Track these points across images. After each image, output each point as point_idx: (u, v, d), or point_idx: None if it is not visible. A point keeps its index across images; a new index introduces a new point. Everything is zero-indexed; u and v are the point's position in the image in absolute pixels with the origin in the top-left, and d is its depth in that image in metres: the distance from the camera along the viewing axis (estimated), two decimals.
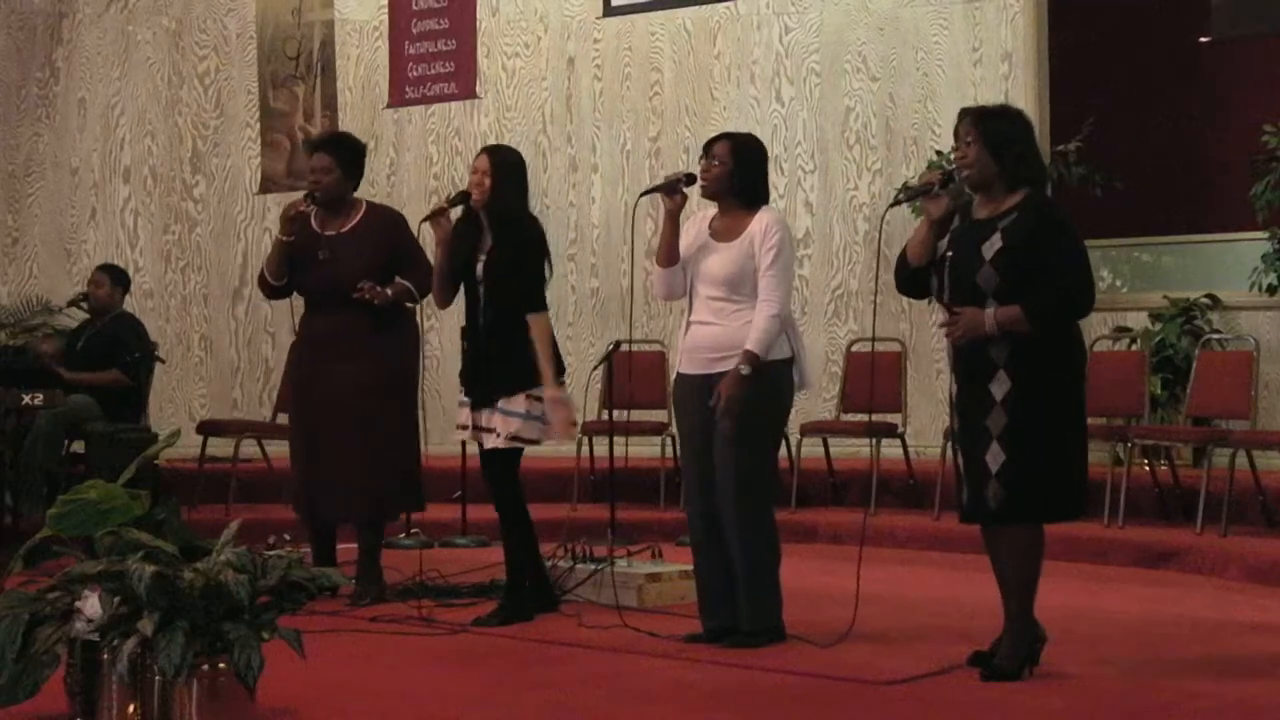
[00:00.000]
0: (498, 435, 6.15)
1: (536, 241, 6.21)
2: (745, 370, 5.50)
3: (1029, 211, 5.00)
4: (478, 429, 6.23)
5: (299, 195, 6.96)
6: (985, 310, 4.95)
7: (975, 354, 5.03)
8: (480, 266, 6.17)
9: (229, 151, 11.26)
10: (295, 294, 6.87)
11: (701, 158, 5.78)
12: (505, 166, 6.19)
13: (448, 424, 10.59)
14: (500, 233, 6.16)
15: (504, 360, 6.13)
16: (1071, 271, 4.98)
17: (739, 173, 5.68)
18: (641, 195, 6.08)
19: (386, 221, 6.74)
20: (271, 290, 6.82)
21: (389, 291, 6.52)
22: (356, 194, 6.79)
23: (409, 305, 6.68)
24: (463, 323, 6.43)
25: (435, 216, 6.28)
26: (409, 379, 6.72)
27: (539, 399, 6.12)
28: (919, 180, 5.35)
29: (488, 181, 6.13)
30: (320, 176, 6.64)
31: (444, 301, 6.39)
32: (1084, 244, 5.09)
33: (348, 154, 6.75)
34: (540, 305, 6.19)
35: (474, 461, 8.61)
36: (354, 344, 6.56)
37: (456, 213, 6.30)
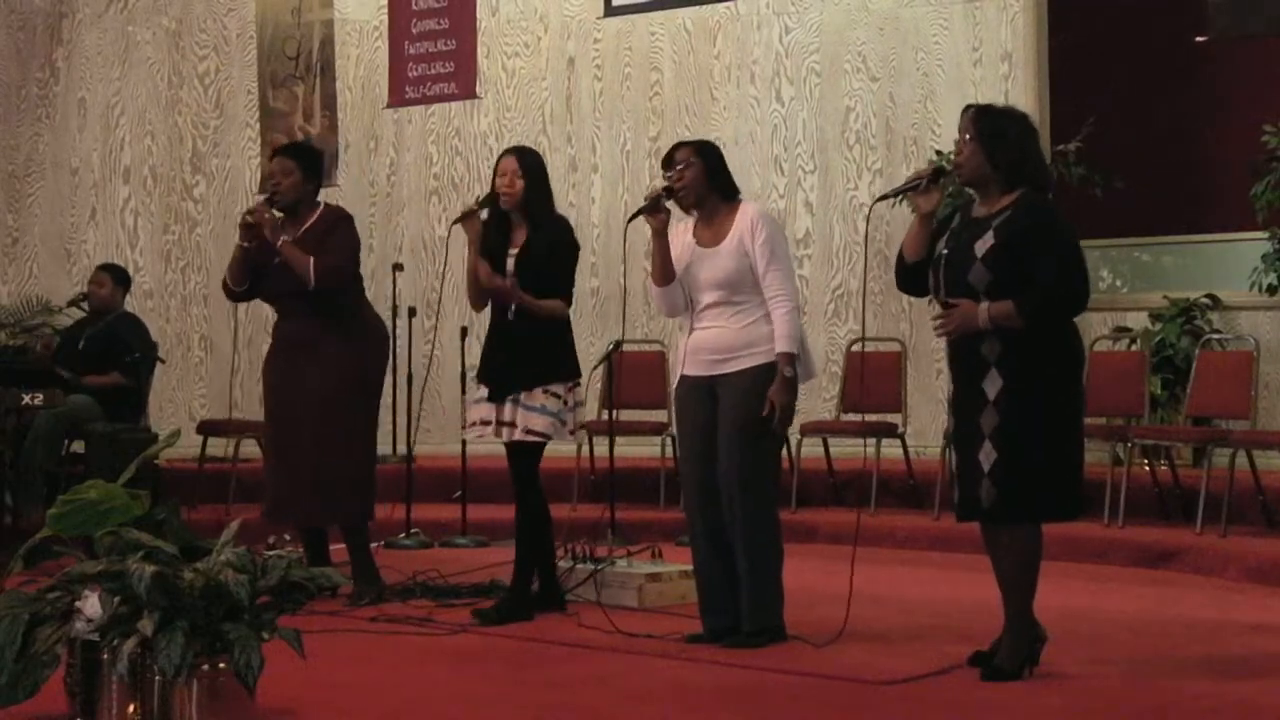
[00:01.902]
0: (515, 428, 6.17)
1: (569, 242, 6.26)
2: (789, 373, 5.53)
3: (1022, 210, 5.00)
4: (500, 424, 6.23)
5: (261, 199, 6.98)
6: (979, 304, 4.96)
7: (968, 352, 5.03)
8: (511, 261, 6.19)
9: (229, 151, 11.26)
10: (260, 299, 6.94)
11: (666, 171, 5.77)
12: (532, 168, 6.25)
13: (449, 424, 10.60)
14: (533, 229, 6.19)
15: (526, 354, 6.16)
16: (1065, 270, 4.97)
17: (709, 169, 5.70)
18: (628, 221, 6.09)
19: (330, 219, 6.71)
20: (232, 295, 6.87)
21: (280, 233, 6.48)
22: (320, 199, 6.81)
23: (327, 285, 6.52)
24: (463, 323, 6.42)
25: (466, 218, 6.30)
26: (369, 385, 6.72)
27: (557, 395, 6.15)
28: (909, 176, 5.36)
29: (519, 183, 6.18)
30: (280, 179, 6.69)
31: (477, 303, 6.38)
32: (1079, 243, 5.08)
33: (306, 159, 6.82)
34: (567, 300, 6.25)
35: (474, 462, 8.69)
36: (314, 349, 6.58)
37: (484, 214, 6.34)
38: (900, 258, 5.29)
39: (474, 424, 6.33)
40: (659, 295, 5.79)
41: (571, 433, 6.29)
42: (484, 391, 6.28)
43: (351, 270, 6.68)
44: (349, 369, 6.59)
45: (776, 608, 5.64)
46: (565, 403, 6.18)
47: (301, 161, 6.74)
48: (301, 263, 6.49)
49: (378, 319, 6.90)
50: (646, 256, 9.15)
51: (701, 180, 5.70)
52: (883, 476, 8.98)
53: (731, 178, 5.81)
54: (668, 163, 5.78)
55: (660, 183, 5.81)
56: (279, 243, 6.51)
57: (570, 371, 6.23)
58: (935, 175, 5.21)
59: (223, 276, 6.88)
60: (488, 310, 6.37)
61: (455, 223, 6.40)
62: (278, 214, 6.58)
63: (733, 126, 10.36)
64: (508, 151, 6.37)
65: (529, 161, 6.27)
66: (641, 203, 5.81)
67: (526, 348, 6.16)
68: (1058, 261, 4.95)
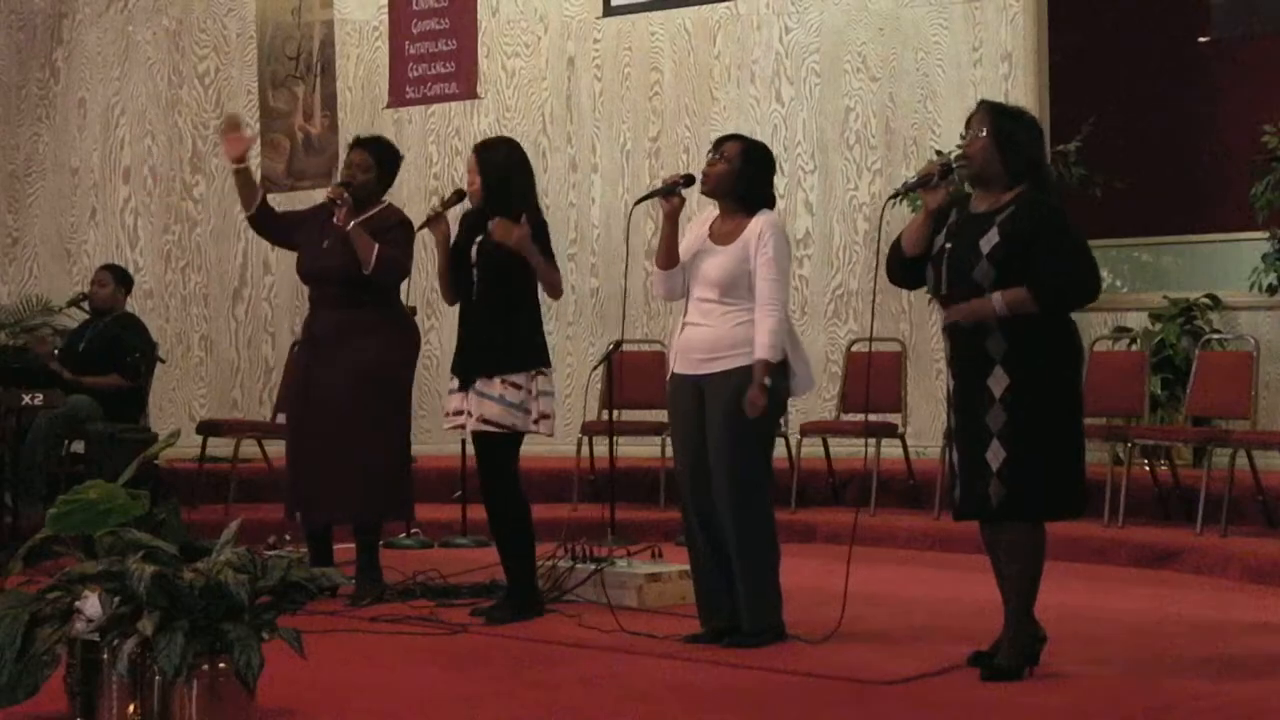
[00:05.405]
0: (471, 417, 6.15)
1: (535, 231, 6.20)
2: (768, 382, 5.49)
3: (1026, 206, 5.01)
4: (466, 414, 6.21)
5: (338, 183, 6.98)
6: (992, 295, 4.94)
7: (972, 349, 5.03)
8: (475, 250, 6.19)
9: None
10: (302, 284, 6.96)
11: (709, 152, 5.79)
12: (491, 164, 6.22)
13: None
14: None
15: (484, 342, 6.15)
16: (1076, 258, 4.98)
17: (743, 175, 5.67)
18: (638, 201, 6.09)
19: (389, 217, 6.74)
20: (251, 221, 6.94)
21: (355, 221, 6.51)
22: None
23: (385, 280, 6.60)
24: None
25: (431, 222, 6.34)
26: (392, 382, 6.70)
27: (517, 385, 6.12)
28: (919, 173, 5.36)
29: (478, 180, 6.20)
30: (357, 171, 6.72)
31: (449, 297, 6.39)
32: (1083, 233, 5.11)
33: (386, 158, 6.83)
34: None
35: (474, 461, 8.65)
36: (345, 343, 6.57)
37: (460, 209, 6.36)
38: (895, 251, 5.29)
39: (448, 415, 6.33)
40: (660, 278, 5.80)
41: (536, 422, 6.15)
42: (456, 382, 6.28)
43: (408, 269, 6.69)
44: (370, 365, 6.56)
45: (775, 607, 5.63)
46: (529, 392, 6.14)
47: (379, 158, 6.77)
48: (367, 247, 6.51)
49: (409, 317, 6.89)
50: (647, 256, 9.16)
51: (728, 181, 5.69)
52: (883, 476, 8.98)
53: (765, 190, 5.76)
54: (716, 147, 5.78)
55: (683, 173, 5.86)
56: (350, 225, 6.51)
57: (531, 361, 6.16)
58: (945, 171, 5.21)
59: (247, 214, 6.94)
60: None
61: (420, 228, 6.45)
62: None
63: (733, 127, 10.32)
64: (473, 149, 6.38)
65: (488, 158, 6.24)
66: (658, 184, 5.84)
67: (485, 335, 6.15)
68: (1069, 250, 4.96)
